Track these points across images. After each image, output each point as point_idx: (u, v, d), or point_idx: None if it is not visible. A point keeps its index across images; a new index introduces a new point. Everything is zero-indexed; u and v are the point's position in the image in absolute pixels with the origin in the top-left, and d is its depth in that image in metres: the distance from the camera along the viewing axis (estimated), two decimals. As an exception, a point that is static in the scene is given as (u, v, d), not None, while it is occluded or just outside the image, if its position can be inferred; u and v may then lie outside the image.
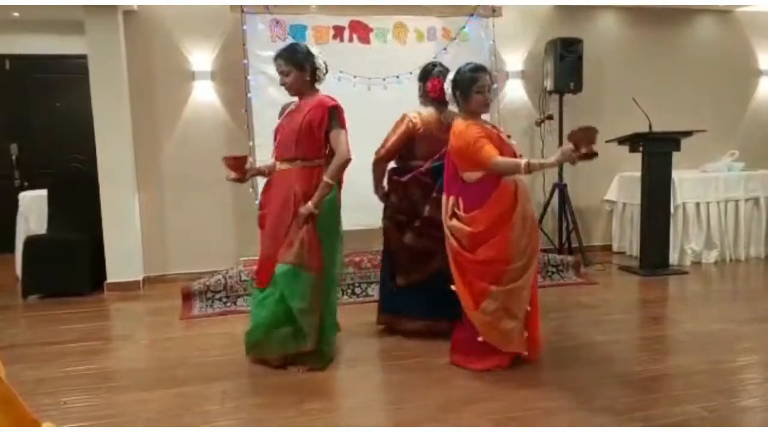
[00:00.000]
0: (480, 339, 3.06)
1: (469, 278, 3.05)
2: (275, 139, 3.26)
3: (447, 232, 3.12)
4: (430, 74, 3.60)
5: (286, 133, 3.17)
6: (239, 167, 3.19)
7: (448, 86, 3.18)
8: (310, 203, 3.05)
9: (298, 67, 3.15)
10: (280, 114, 3.37)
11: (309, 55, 3.20)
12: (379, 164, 3.69)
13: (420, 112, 3.60)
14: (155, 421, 2.64)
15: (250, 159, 3.29)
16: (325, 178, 3.09)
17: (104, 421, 2.66)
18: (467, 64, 3.17)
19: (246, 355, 3.25)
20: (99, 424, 2.64)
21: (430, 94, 3.56)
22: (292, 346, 3.11)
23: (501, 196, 3.01)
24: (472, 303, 3.03)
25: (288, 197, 3.09)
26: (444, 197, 3.18)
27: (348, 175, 3.25)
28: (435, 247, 3.37)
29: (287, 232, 3.07)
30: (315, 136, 3.10)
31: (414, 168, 3.56)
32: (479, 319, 3.02)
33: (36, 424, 1.59)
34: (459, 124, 3.11)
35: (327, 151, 3.17)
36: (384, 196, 3.71)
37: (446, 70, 3.48)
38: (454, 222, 3.09)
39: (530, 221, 3.07)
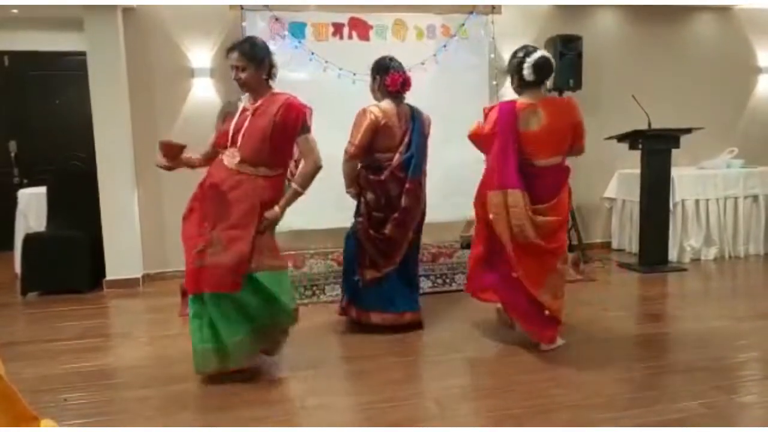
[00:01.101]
0: (546, 313, 3.26)
1: (539, 261, 3.24)
2: (224, 138, 3.04)
3: (526, 224, 3.15)
4: (389, 68, 3.63)
5: (251, 134, 2.94)
6: (174, 155, 3.05)
7: (529, 69, 3.17)
8: (277, 208, 2.98)
9: (257, 63, 2.98)
10: (225, 113, 3.27)
11: (268, 52, 3.06)
12: (351, 162, 3.62)
13: (378, 105, 3.62)
14: (155, 418, 2.64)
15: (186, 150, 3.09)
16: (296, 186, 3.04)
17: (104, 419, 2.66)
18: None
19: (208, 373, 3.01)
20: (99, 421, 2.64)
21: (390, 88, 3.59)
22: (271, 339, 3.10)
23: (567, 182, 3.33)
24: (537, 284, 3.23)
25: (253, 207, 2.92)
26: (516, 191, 3.16)
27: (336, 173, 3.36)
28: (407, 236, 3.60)
29: (245, 238, 2.88)
30: (289, 140, 3.00)
31: (378, 161, 3.59)
32: (545, 299, 3.25)
33: (36, 421, 1.58)
34: (573, 101, 3.35)
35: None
36: (357, 195, 3.69)
37: (401, 65, 3.68)
38: (539, 218, 3.19)
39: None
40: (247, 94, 3.10)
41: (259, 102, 3.01)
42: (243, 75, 2.97)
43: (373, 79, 3.70)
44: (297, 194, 3.05)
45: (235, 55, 2.96)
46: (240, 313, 2.90)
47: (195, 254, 2.86)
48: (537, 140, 3.19)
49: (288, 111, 2.95)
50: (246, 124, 2.97)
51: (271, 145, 2.93)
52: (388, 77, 3.58)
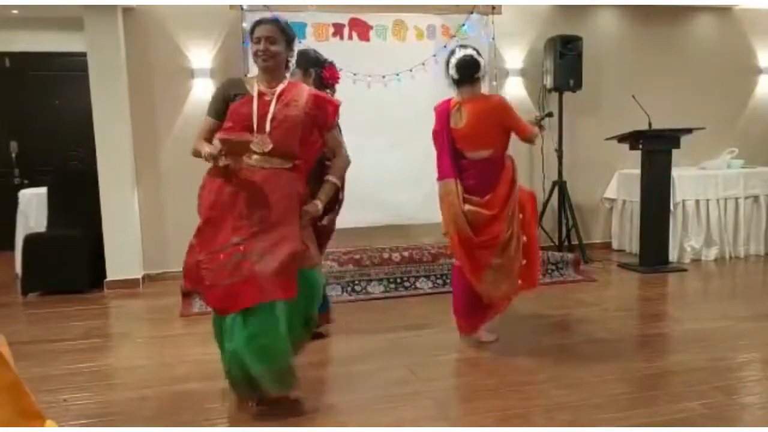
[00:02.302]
0: (486, 302, 3.37)
1: (473, 255, 3.31)
2: (244, 122, 2.60)
3: (458, 212, 3.28)
4: (323, 62, 3.57)
5: (281, 122, 2.60)
6: (242, 152, 2.54)
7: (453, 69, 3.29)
8: (318, 202, 2.72)
9: (288, 42, 2.71)
10: (234, 94, 2.70)
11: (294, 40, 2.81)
12: None
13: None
14: (155, 419, 2.64)
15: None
16: (333, 179, 2.80)
17: (104, 419, 2.66)
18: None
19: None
20: (99, 421, 2.64)
21: (329, 81, 3.55)
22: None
23: (506, 175, 3.38)
24: (476, 276, 3.32)
25: (294, 200, 2.62)
26: (450, 180, 3.35)
27: (351, 173, 3.26)
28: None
29: (294, 236, 2.57)
30: (319, 133, 2.74)
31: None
32: (484, 288, 3.32)
33: (41, 419, 1.58)
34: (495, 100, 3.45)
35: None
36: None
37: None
38: (469, 206, 3.29)
39: (516, 190, 3.42)
40: (252, 75, 2.77)
41: (280, 88, 2.66)
42: (274, 48, 2.62)
43: (305, 72, 3.46)
44: (335, 187, 2.83)
45: (267, 26, 2.66)
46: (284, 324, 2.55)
47: (230, 268, 2.45)
48: (463, 136, 3.36)
49: (323, 104, 2.72)
50: (272, 110, 2.61)
51: (301, 136, 2.66)
52: (326, 71, 3.48)
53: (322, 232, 3.20)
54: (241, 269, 2.45)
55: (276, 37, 2.64)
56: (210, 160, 2.54)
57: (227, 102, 2.69)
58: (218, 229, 2.55)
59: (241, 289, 2.43)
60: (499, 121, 3.36)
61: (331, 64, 3.59)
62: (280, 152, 2.60)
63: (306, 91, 2.73)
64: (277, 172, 2.60)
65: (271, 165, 2.59)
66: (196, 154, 2.64)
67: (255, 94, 2.64)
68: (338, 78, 3.59)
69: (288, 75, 2.84)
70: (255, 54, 2.68)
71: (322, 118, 2.72)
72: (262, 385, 2.51)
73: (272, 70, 2.67)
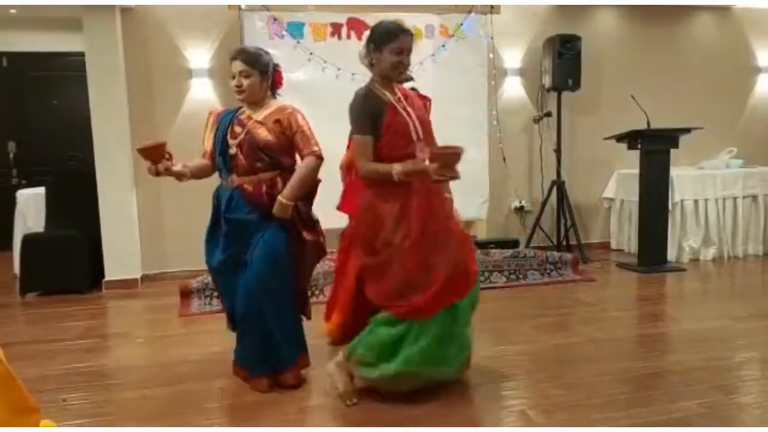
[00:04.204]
0: None
1: None
2: (406, 132, 2.66)
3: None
4: (276, 66, 3.04)
5: (426, 127, 2.76)
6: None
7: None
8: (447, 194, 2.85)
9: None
10: (370, 105, 2.67)
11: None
12: None
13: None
14: (154, 418, 2.64)
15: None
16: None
17: (103, 419, 2.66)
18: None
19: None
20: (98, 421, 2.64)
21: (279, 86, 3.08)
22: None
23: None
24: None
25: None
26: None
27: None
28: None
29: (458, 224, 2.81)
30: None
31: None
32: None
33: (36, 413, 1.57)
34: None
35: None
36: None
37: None
38: None
39: None
40: (375, 85, 2.73)
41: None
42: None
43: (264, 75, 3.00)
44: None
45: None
46: None
47: (444, 273, 2.59)
48: None
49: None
50: (411, 118, 2.69)
51: None
52: (278, 75, 3.04)
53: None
54: (449, 269, 2.62)
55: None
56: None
57: (374, 117, 2.65)
58: (416, 260, 2.63)
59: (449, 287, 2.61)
60: None
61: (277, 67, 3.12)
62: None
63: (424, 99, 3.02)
64: None
65: None
66: (386, 174, 2.57)
67: (393, 102, 2.69)
68: (281, 80, 3.13)
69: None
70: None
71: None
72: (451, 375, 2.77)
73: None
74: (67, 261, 4.93)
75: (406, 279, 2.59)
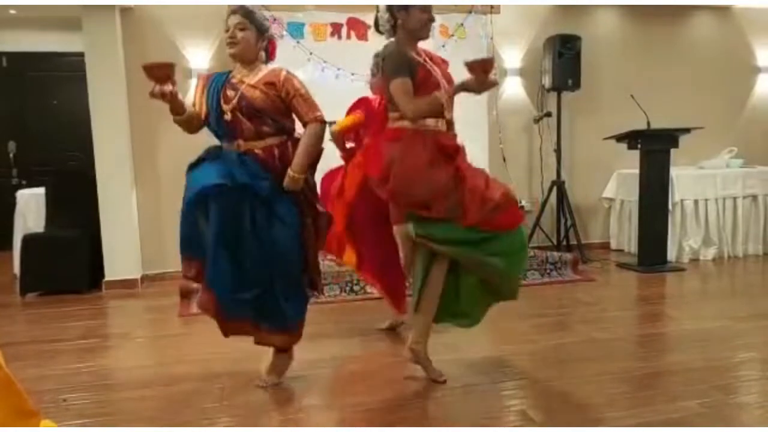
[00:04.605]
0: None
1: None
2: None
3: None
4: (272, 35, 2.99)
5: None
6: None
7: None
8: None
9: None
10: (408, 56, 2.73)
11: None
12: None
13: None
14: (154, 418, 2.64)
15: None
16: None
17: (103, 419, 2.66)
18: None
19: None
20: (98, 422, 2.64)
21: (272, 57, 2.99)
22: None
23: None
24: None
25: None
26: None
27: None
28: None
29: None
30: None
31: None
32: None
33: (36, 417, 1.57)
34: None
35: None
36: None
37: None
38: None
39: None
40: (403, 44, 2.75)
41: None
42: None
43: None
44: None
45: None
46: None
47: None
48: None
49: None
50: (439, 77, 2.79)
51: None
52: (273, 45, 2.96)
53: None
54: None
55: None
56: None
57: (410, 69, 2.69)
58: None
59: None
60: None
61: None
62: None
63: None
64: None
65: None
66: (434, 103, 2.63)
67: (422, 61, 2.74)
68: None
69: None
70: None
71: None
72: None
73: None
74: (67, 261, 4.93)
75: (481, 197, 2.64)
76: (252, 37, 2.73)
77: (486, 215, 2.64)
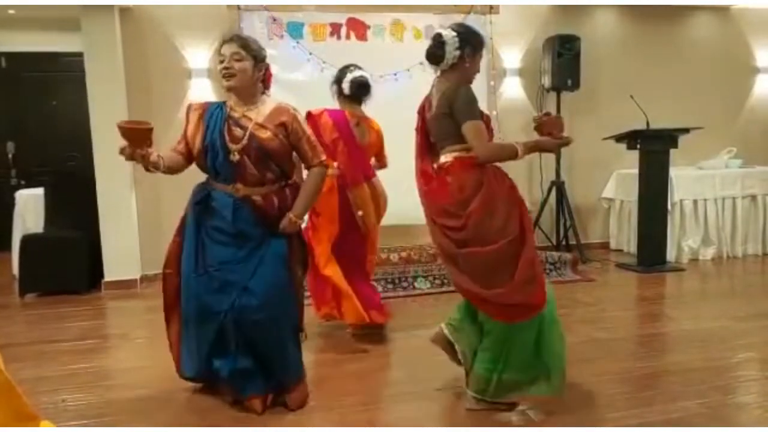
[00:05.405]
0: None
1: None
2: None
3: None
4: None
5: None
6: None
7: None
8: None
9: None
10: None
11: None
12: None
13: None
14: (154, 419, 2.63)
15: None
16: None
17: (103, 420, 2.66)
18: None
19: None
20: (97, 422, 2.63)
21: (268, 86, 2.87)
22: None
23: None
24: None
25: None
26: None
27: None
28: None
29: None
30: None
31: None
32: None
33: (35, 420, 1.57)
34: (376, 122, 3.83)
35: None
36: None
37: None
38: None
39: None
40: None
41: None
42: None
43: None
44: None
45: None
46: None
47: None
48: (365, 152, 3.65)
49: None
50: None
51: None
52: (269, 73, 2.80)
53: None
54: None
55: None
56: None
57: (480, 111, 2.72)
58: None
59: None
60: (380, 143, 3.82)
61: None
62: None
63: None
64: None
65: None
66: (510, 150, 2.75)
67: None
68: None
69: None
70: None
71: None
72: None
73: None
74: (66, 262, 4.92)
75: (530, 269, 2.55)
76: (249, 68, 2.59)
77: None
